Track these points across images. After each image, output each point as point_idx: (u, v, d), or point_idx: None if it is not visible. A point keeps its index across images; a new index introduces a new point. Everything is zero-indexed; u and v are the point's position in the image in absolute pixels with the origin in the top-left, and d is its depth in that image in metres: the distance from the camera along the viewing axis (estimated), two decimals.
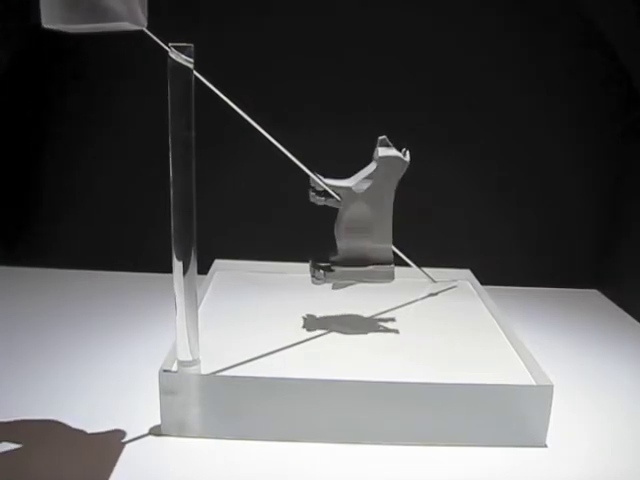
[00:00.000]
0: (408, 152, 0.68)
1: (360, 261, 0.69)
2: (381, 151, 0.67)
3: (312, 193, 0.68)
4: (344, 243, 0.69)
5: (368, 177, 0.67)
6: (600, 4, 0.96)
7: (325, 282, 0.69)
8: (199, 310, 0.62)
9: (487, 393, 0.58)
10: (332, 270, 0.69)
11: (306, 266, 0.69)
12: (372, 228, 0.68)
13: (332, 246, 0.69)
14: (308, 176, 0.67)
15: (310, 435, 0.58)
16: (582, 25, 0.97)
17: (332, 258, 0.69)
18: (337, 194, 0.68)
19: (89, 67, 0.98)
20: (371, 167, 0.68)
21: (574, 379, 0.73)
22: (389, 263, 0.70)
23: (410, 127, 0.99)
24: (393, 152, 0.67)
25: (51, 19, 0.47)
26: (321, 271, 0.69)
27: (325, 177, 0.68)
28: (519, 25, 0.98)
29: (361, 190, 0.67)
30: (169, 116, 0.53)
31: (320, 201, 0.68)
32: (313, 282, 0.70)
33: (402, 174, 0.68)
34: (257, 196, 1.02)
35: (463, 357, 0.67)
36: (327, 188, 0.67)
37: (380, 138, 0.68)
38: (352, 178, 0.69)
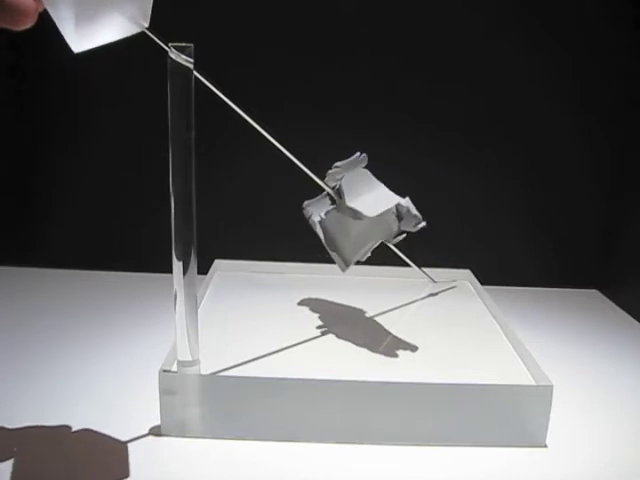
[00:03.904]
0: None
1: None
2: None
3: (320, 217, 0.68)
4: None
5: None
6: (601, 4, 0.96)
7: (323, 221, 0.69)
8: (199, 310, 0.62)
9: (487, 393, 0.58)
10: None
11: (306, 266, 0.69)
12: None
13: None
14: (307, 176, 0.67)
15: (310, 435, 0.58)
16: (582, 25, 0.97)
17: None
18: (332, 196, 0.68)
19: (89, 67, 0.98)
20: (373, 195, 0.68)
21: (574, 379, 0.73)
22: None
23: (411, 127, 1.00)
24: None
25: (77, 43, 0.48)
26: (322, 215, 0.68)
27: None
28: (519, 25, 0.98)
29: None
30: (169, 116, 0.53)
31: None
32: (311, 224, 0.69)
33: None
34: (257, 196, 1.02)
35: (463, 357, 0.68)
36: (328, 190, 0.67)
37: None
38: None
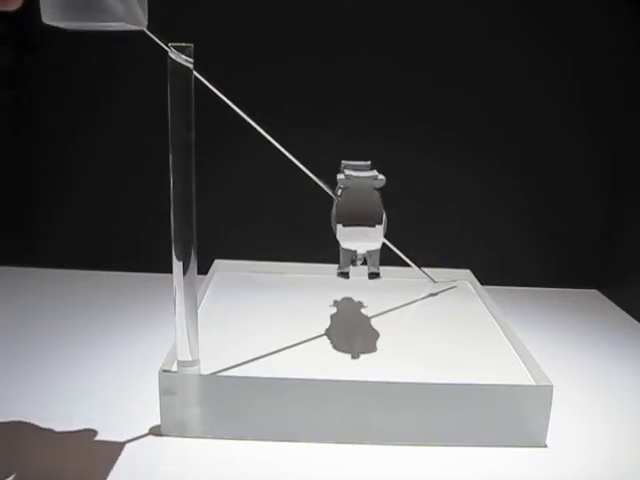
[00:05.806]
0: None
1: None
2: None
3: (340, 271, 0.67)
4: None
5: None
6: (600, 4, 0.96)
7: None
8: (199, 310, 0.62)
9: (487, 393, 0.58)
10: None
11: (304, 266, 0.68)
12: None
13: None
14: (307, 176, 0.67)
15: (310, 435, 0.58)
16: (582, 25, 0.97)
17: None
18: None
19: (89, 67, 0.98)
20: None
21: (574, 379, 0.73)
22: None
23: (411, 127, 1.00)
24: None
25: (50, 15, 0.48)
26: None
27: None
28: (519, 25, 0.98)
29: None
30: (169, 116, 0.53)
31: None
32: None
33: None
34: (257, 196, 1.02)
35: (463, 357, 0.67)
36: (328, 191, 0.67)
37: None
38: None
